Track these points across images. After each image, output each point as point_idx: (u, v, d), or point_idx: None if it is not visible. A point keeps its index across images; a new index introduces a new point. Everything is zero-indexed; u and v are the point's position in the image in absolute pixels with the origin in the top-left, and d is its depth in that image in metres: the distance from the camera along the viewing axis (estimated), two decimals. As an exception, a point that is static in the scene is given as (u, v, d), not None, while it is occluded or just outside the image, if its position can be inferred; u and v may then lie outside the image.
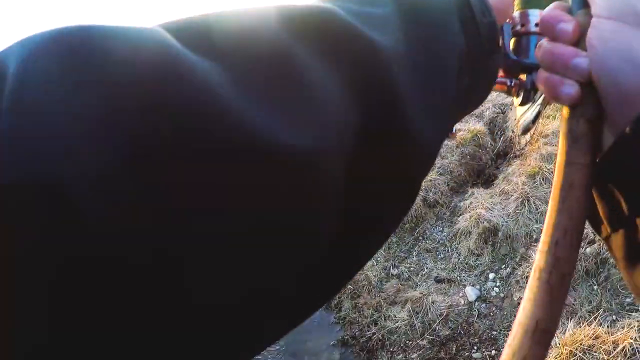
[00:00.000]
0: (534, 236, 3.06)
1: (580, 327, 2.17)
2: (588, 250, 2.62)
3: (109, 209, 0.22)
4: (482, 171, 4.32)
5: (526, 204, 3.25)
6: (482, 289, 2.99)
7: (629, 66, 0.36)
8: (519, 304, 0.63)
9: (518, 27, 0.52)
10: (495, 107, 4.80)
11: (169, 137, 0.23)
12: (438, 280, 3.20)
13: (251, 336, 0.31)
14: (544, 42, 0.42)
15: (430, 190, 3.88)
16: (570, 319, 2.30)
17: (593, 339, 2.05)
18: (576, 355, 2.01)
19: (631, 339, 1.95)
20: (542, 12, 0.44)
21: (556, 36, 0.41)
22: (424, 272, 3.39)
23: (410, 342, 2.77)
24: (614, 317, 2.31)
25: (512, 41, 0.52)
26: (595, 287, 2.53)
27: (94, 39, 0.24)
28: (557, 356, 2.05)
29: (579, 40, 0.39)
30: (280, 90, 0.28)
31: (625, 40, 0.37)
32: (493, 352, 2.52)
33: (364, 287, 3.30)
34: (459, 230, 3.43)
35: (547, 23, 0.42)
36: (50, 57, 0.23)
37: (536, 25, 0.50)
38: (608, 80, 0.37)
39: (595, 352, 1.99)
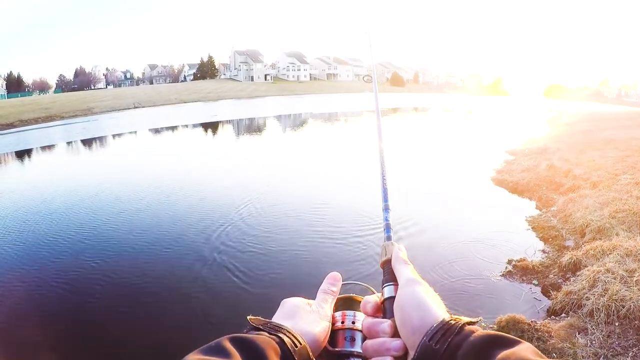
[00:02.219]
0: None
1: None
2: None
3: None
4: None
5: None
6: None
7: (415, 310, 0.78)
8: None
9: (338, 324, 0.89)
10: None
11: None
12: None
13: None
14: (369, 341, 0.82)
15: None
16: None
17: None
18: None
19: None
20: (361, 315, 0.90)
21: (377, 334, 0.81)
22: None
23: None
24: None
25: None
26: None
27: None
28: None
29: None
30: None
31: (413, 295, 0.80)
32: None
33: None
34: None
35: (370, 329, 0.83)
36: None
37: (352, 323, 0.89)
38: (406, 330, 0.77)
39: None
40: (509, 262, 7.29)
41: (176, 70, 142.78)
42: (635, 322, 4.68)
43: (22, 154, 22.63)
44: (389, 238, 1.02)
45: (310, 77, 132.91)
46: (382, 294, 0.88)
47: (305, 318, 0.84)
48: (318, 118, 40.40)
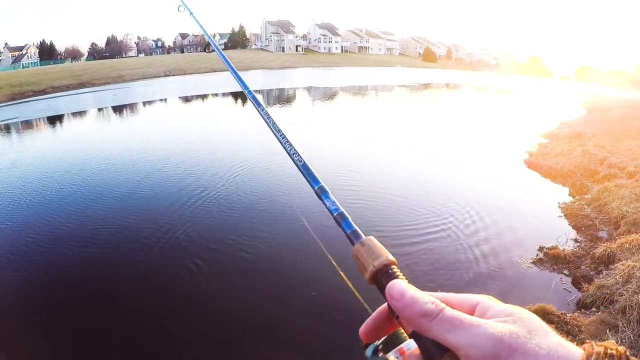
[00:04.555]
0: None
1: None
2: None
3: None
4: None
5: None
6: None
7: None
8: None
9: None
10: None
11: None
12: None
13: None
14: None
15: None
16: None
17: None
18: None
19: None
20: None
21: None
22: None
23: None
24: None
25: None
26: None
27: None
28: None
29: None
30: None
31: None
32: None
33: None
34: None
35: None
36: None
37: None
38: None
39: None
40: (540, 249, 7.18)
41: (207, 40, 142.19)
42: (669, 323, 4.56)
43: (54, 120, 22.92)
44: (355, 235, 0.73)
45: (342, 49, 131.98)
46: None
47: None
48: (347, 91, 39.99)
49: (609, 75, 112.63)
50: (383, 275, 0.65)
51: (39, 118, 23.62)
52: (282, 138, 0.97)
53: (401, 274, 0.66)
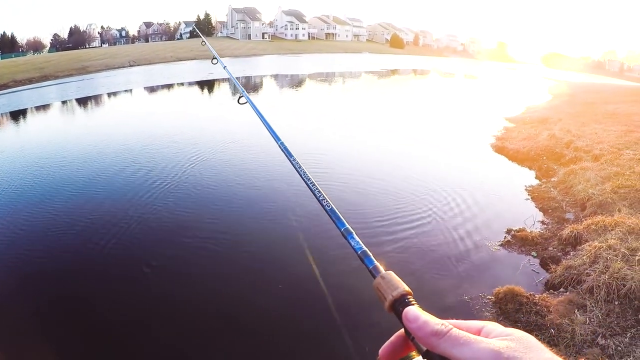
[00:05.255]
0: None
1: None
2: None
3: None
4: None
5: None
6: None
7: None
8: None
9: None
10: None
11: None
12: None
13: None
14: None
15: None
16: None
17: None
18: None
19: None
20: None
21: None
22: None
23: None
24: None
25: None
26: None
27: None
28: None
29: None
30: None
31: None
32: None
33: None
34: None
35: None
36: None
37: None
38: None
39: None
40: (508, 231, 7.27)
41: (172, 28, 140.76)
42: (635, 302, 4.65)
43: (17, 115, 22.35)
44: (376, 270, 0.82)
45: (309, 36, 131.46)
46: None
47: None
48: (315, 78, 39.88)
49: (575, 61, 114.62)
50: (400, 304, 0.74)
51: (0, 114, 22.99)
52: (312, 185, 1.07)
53: (416, 302, 0.74)
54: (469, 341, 0.64)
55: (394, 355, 0.76)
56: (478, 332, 0.69)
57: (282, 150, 1.33)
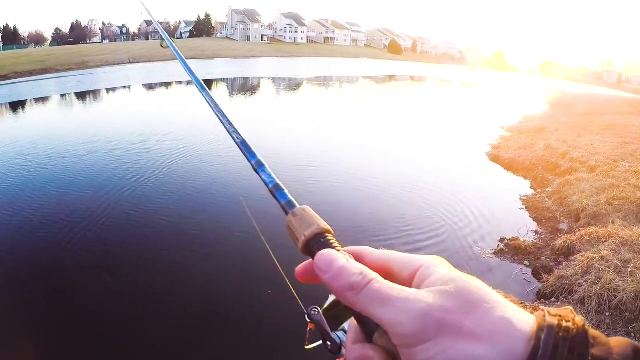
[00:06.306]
0: None
1: None
2: None
3: None
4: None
5: None
6: None
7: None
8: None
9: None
10: None
11: None
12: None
13: None
14: None
15: None
16: None
17: None
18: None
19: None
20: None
21: None
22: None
23: None
24: None
25: None
26: None
27: None
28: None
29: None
30: None
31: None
32: None
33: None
34: None
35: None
36: None
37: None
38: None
39: None
40: (501, 240, 7.27)
41: (172, 27, 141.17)
42: (626, 313, 4.66)
43: (16, 106, 22.32)
44: (289, 205, 0.68)
45: (308, 39, 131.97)
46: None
47: None
48: (312, 82, 39.90)
49: (573, 71, 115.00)
50: (315, 245, 0.59)
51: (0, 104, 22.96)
52: (223, 117, 0.92)
53: (336, 242, 0.60)
54: (391, 297, 0.49)
55: (308, 279, 0.61)
56: (413, 274, 0.54)
57: (188, 73, 1.18)
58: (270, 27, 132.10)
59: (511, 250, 6.95)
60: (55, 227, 7.28)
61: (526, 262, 6.59)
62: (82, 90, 28.74)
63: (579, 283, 5.30)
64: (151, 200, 8.46)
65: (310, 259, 0.59)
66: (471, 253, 6.89)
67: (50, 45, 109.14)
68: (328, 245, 0.59)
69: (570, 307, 0.48)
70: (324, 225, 0.62)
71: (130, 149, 12.19)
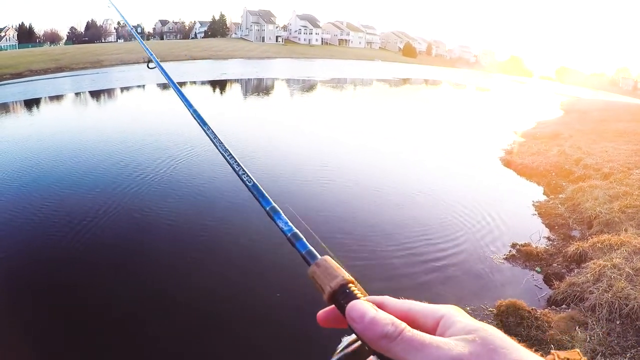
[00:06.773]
0: None
1: None
2: None
3: None
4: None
5: None
6: None
7: None
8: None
9: None
10: None
11: None
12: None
13: None
14: None
15: None
16: None
17: None
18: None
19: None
20: None
21: None
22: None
23: None
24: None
25: None
26: None
27: None
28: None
29: None
30: None
31: None
32: None
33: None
34: None
35: None
36: None
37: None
38: None
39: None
40: (513, 245, 7.26)
41: (187, 27, 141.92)
42: (637, 322, 4.64)
43: (30, 103, 22.54)
44: (310, 256, 0.71)
45: (322, 41, 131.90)
46: None
47: None
48: (327, 84, 39.94)
49: (588, 77, 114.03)
50: (341, 296, 0.64)
51: (15, 101, 23.18)
52: (231, 159, 0.94)
53: (360, 291, 0.64)
54: (424, 344, 0.55)
55: (330, 324, 0.67)
56: (436, 324, 0.60)
57: (194, 118, 1.17)
58: (284, 28, 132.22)
59: (523, 255, 6.93)
60: (62, 224, 7.35)
61: (538, 268, 6.57)
62: (96, 89, 28.97)
63: (590, 290, 5.28)
64: (159, 200, 8.51)
65: (332, 306, 0.65)
66: (483, 257, 6.89)
67: (65, 44, 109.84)
68: (353, 296, 0.63)
69: (578, 350, 0.54)
70: (348, 276, 0.66)
71: (140, 149, 12.27)
